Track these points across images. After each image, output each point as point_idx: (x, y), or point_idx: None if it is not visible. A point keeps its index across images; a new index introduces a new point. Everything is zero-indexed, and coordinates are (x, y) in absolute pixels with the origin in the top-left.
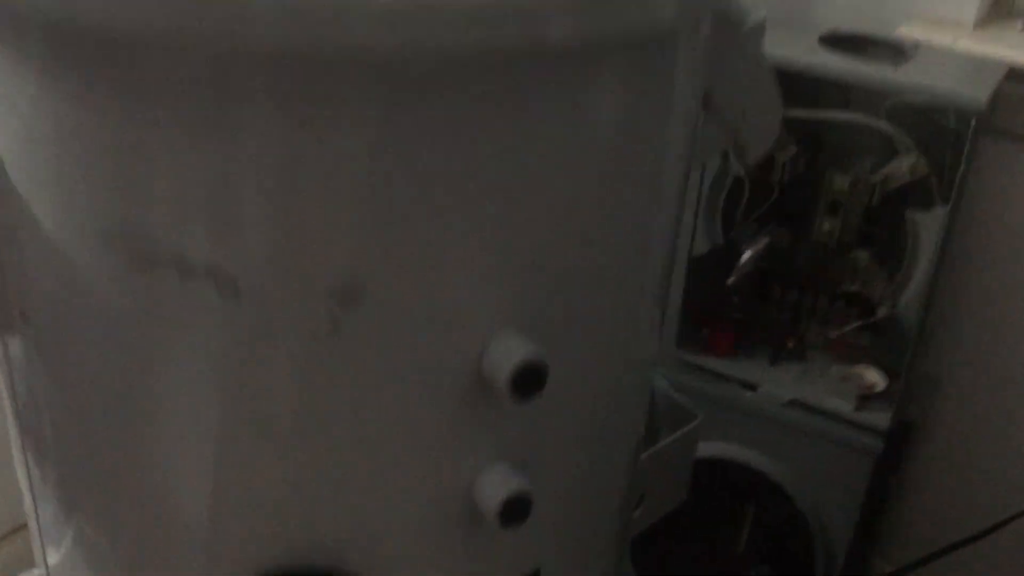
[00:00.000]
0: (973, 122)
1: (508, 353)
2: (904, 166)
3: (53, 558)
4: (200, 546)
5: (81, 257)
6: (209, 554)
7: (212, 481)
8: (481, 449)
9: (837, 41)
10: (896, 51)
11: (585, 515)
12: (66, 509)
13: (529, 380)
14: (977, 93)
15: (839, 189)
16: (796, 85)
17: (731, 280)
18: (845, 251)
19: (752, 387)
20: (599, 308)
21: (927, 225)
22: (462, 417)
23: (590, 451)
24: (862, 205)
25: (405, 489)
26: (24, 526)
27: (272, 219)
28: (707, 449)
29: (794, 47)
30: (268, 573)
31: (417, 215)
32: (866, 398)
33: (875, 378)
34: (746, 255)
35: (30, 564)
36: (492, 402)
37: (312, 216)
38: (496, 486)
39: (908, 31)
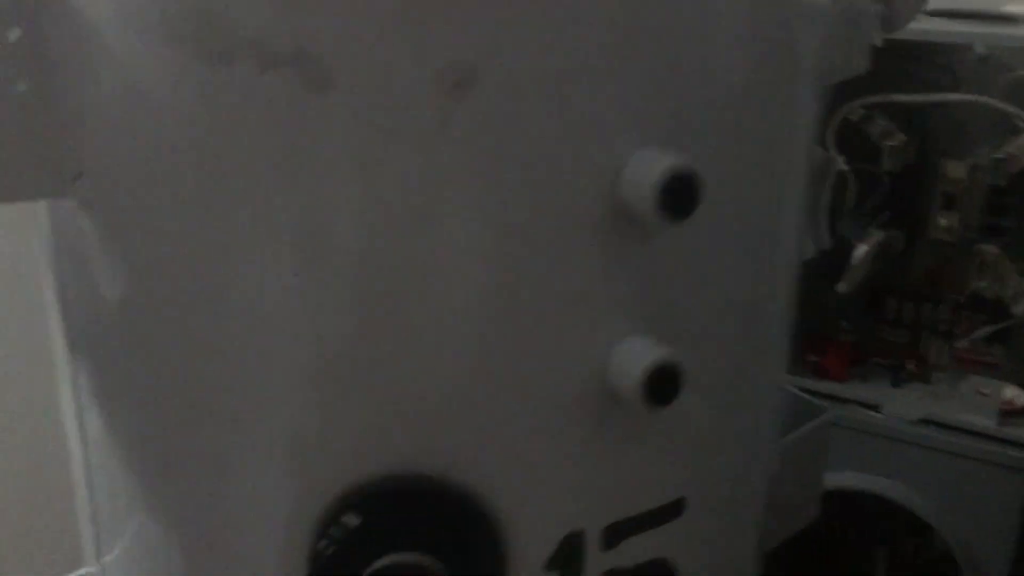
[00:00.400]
0: None
1: (652, 166)
2: None
3: (110, 530)
4: (285, 458)
5: (146, 62)
6: (297, 467)
7: (296, 353)
8: (620, 305)
9: (943, 16)
10: (1008, 23)
11: (731, 447)
12: (127, 452)
13: (679, 196)
14: None
15: (955, 178)
16: (897, 68)
17: (843, 284)
18: (967, 248)
19: (875, 408)
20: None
21: None
22: (597, 256)
23: (737, 340)
24: (983, 194)
25: (527, 358)
26: None
27: None
28: (831, 480)
29: None
30: (363, 487)
31: None
32: (1008, 414)
33: (1013, 392)
34: (859, 251)
35: None
36: (633, 234)
37: None
38: (639, 354)
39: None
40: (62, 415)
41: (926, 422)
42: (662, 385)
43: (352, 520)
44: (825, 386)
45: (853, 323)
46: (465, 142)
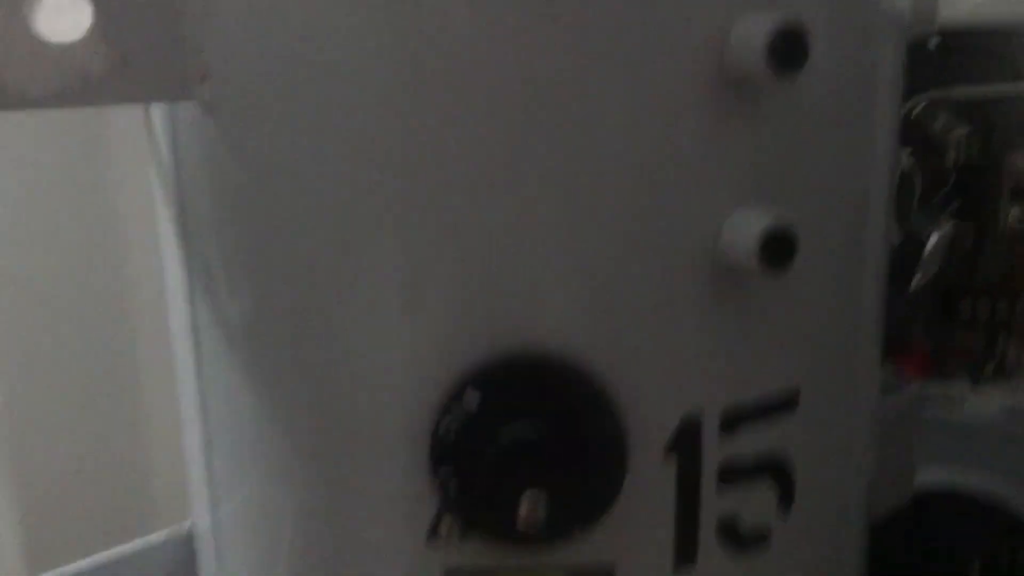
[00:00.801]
0: None
1: (762, 22)
2: None
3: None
4: (404, 342)
5: None
6: (416, 352)
7: (413, 236)
8: (732, 175)
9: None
10: None
11: (841, 342)
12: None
13: (789, 51)
14: None
15: (1022, 169)
16: (957, 61)
17: (918, 279)
18: None
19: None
20: None
21: None
22: (706, 122)
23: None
24: None
25: (640, 231)
26: None
27: None
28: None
29: (954, 9)
30: (483, 367)
31: None
32: None
33: None
34: (933, 239)
35: None
36: (744, 98)
37: None
38: (753, 220)
39: None
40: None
41: (1012, 411)
42: (778, 246)
43: (473, 399)
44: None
45: (927, 328)
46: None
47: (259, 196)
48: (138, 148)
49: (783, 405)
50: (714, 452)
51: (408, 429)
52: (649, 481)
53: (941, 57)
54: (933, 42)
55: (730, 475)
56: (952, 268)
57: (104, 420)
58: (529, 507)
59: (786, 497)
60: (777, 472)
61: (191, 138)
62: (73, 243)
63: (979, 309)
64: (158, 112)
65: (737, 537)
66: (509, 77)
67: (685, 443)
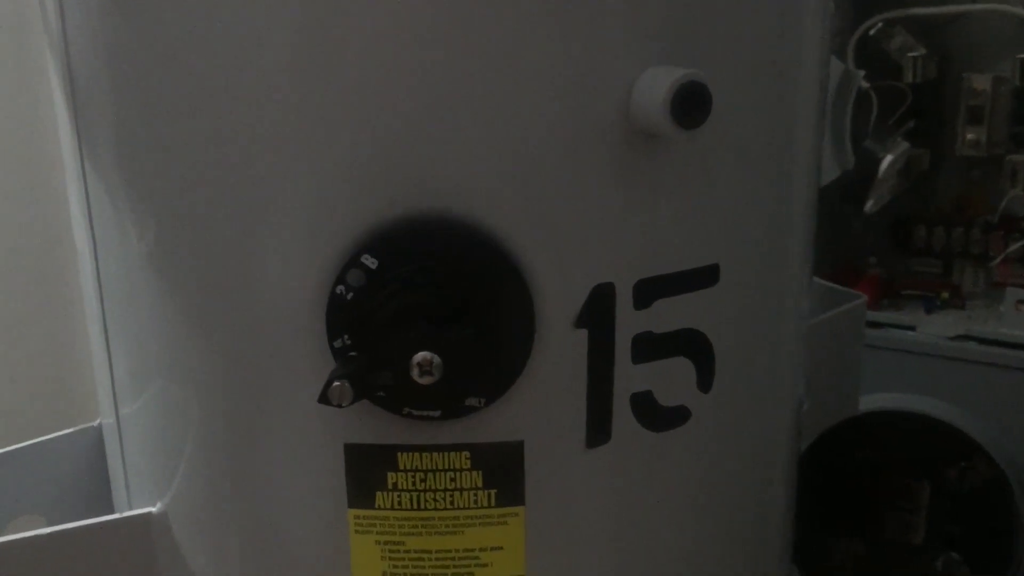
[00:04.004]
0: None
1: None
2: None
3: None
4: (290, 213)
5: None
6: (313, 215)
7: (308, 97)
8: (641, 30)
9: None
10: None
11: (764, 220)
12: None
13: None
14: None
15: (979, 89)
16: None
17: (871, 203)
18: (996, 163)
19: (910, 329)
20: None
21: None
22: None
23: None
24: (1009, 104)
25: (546, 90)
26: None
27: None
28: (864, 403)
29: None
30: (380, 230)
31: None
32: None
33: None
34: (886, 162)
35: None
36: None
37: None
38: (664, 75)
39: None
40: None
41: (964, 338)
42: (689, 101)
43: (370, 263)
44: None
45: (881, 256)
46: None
47: (150, 59)
48: None
49: (701, 281)
50: (627, 326)
51: (306, 295)
52: (558, 354)
53: None
54: None
55: (645, 350)
56: (907, 194)
57: (37, 340)
58: (422, 366)
59: (705, 374)
60: (696, 349)
61: (81, 24)
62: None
63: (934, 237)
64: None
65: (655, 413)
66: None
67: (596, 316)
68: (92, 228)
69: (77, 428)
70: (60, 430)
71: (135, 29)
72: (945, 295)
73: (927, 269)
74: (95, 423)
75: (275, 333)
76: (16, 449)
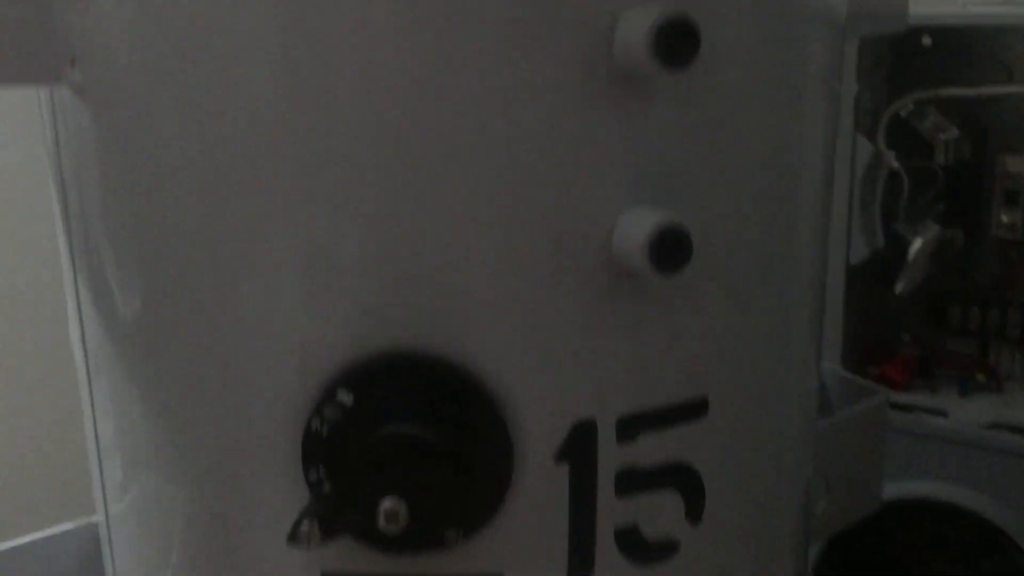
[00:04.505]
0: None
1: (647, 15)
2: None
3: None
4: (279, 341)
5: None
6: (290, 348)
7: (291, 236)
8: (623, 172)
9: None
10: None
11: (758, 350)
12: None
13: (677, 43)
14: None
15: (1015, 173)
16: (949, 62)
17: (900, 284)
18: None
19: (942, 414)
20: None
21: None
22: (597, 116)
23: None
24: None
25: (526, 228)
26: None
27: None
28: (896, 489)
29: (947, 6)
30: (357, 365)
31: None
32: None
33: None
34: (915, 246)
35: None
36: (636, 92)
37: None
38: (644, 219)
39: None
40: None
41: (997, 426)
42: (669, 247)
43: (346, 398)
44: (888, 395)
45: (915, 335)
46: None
47: (131, 183)
48: None
49: (688, 413)
50: (611, 460)
51: (282, 429)
52: (539, 489)
53: (933, 56)
54: (926, 41)
55: (629, 483)
56: (941, 273)
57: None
58: (388, 515)
59: (694, 508)
60: (683, 481)
61: (67, 122)
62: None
63: (970, 317)
64: (43, 95)
65: (640, 546)
66: (393, 68)
67: (577, 450)
68: (78, 299)
69: (76, 524)
70: (64, 518)
71: (127, 168)
72: (981, 376)
73: (963, 349)
74: (94, 518)
75: (255, 455)
76: (10, 548)
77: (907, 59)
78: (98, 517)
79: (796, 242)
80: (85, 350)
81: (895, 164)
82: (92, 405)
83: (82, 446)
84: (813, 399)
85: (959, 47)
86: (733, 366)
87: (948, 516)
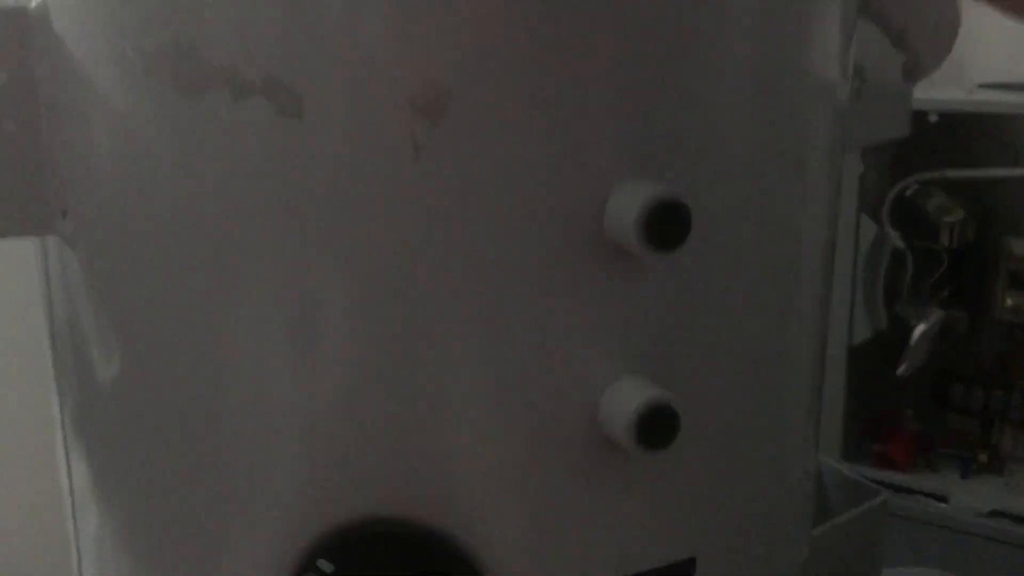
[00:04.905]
0: None
1: (638, 195)
2: None
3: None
4: (262, 505)
5: (128, 98)
6: (272, 514)
7: (286, 411)
8: (610, 344)
9: (1000, 88)
10: None
11: (748, 510)
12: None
13: (665, 226)
14: None
15: (1020, 255)
16: (956, 143)
17: (903, 367)
18: None
19: (942, 499)
20: None
21: None
22: (583, 291)
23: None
24: None
25: (512, 404)
26: None
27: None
28: None
29: (953, 92)
30: (338, 533)
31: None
32: None
33: None
34: (918, 331)
35: None
36: (623, 267)
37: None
38: (630, 394)
39: None
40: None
41: (998, 514)
42: (656, 426)
43: (326, 567)
44: (889, 476)
45: (918, 411)
46: (439, 166)
47: (120, 338)
48: None
49: (677, 574)
50: None
51: None
52: None
53: (938, 137)
54: (932, 118)
55: None
56: (945, 353)
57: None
58: None
59: None
60: None
61: (56, 270)
62: None
63: (973, 396)
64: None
65: None
66: (379, 233)
67: None
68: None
69: None
70: None
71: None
72: (983, 457)
73: (965, 428)
74: None
75: None
76: None
77: (913, 139)
78: None
79: (791, 397)
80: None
81: (900, 244)
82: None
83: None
84: (804, 545)
85: (965, 128)
86: (722, 527)
87: None
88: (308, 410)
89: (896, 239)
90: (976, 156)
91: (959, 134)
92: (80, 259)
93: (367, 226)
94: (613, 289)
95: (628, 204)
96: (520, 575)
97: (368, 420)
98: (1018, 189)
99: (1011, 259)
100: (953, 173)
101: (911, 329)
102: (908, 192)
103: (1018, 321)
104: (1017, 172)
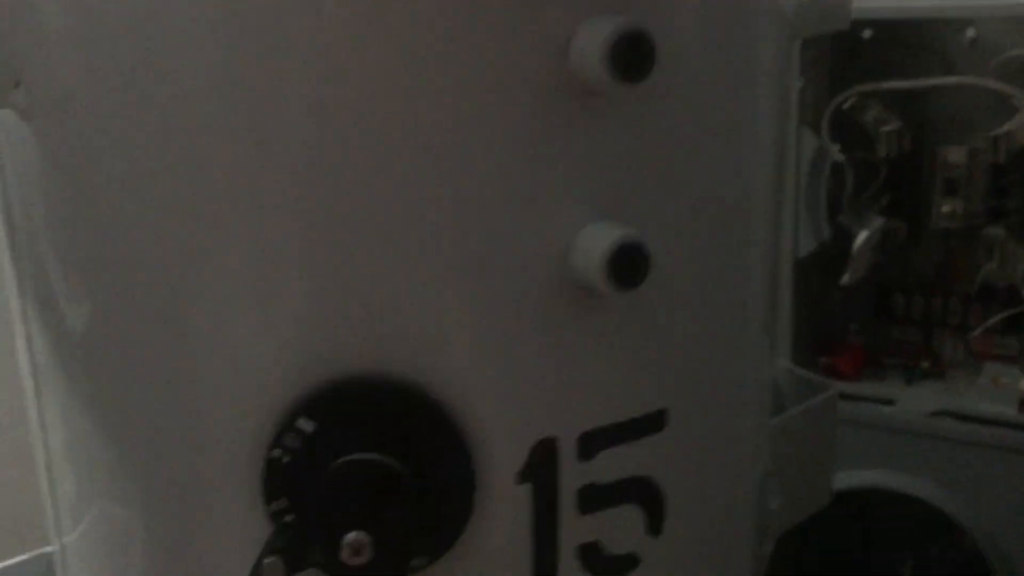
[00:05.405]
0: None
1: (602, 28)
2: None
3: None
4: (235, 369)
5: None
6: (248, 376)
7: (244, 258)
8: (578, 188)
9: None
10: None
11: (716, 360)
12: (87, 434)
13: (633, 57)
14: None
15: (955, 163)
16: (889, 55)
17: (847, 276)
18: (973, 234)
19: (889, 403)
20: None
21: None
22: (551, 132)
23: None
24: (985, 177)
25: (482, 249)
26: None
27: None
28: (846, 479)
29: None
30: (316, 392)
31: None
32: None
33: None
34: (860, 238)
35: None
36: (594, 101)
37: None
38: (601, 235)
39: None
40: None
41: (943, 413)
42: (627, 263)
43: (306, 426)
44: (837, 386)
45: (862, 324)
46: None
47: (78, 207)
48: None
49: (647, 427)
50: (572, 479)
51: (242, 457)
52: (501, 511)
53: (873, 49)
54: (866, 34)
55: (591, 501)
56: (885, 264)
57: None
58: (353, 548)
59: (655, 520)
60: (644, 496)
61: (11, 144)
62: None
63: (914, 306)
64: None
65: (602, 563)
66: (350, 80)
67: (539, 470)
68: (26, 321)
69: (31, 554)
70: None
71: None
72: (926, 364)
73: (908, 338)
74: (47, 549)
75: (214, 482)
76: None
77: (848, 53)
78: (52, 547)
79: (750, 246)
80: (34, 368)
81: (839, 157)
82: (42, 426)
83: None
84: (768, 399)
85: (899, 40)
86: (691, 376)
87: (896, 504)
88: (274, 261)
89: (836, 152)
90: (910, 67)
91: (893, 46)
92: (35, 133)
93: (332, 63)
94: (581, 128)
95: (593, 38)
96: (495, 427)
97: (339, 273)
98: (951, 97)
99: (945, 167)
100: (889, 84)
101: (853, 239)
102: (845, 105)
103: (953, 227)
104: (950, 80)
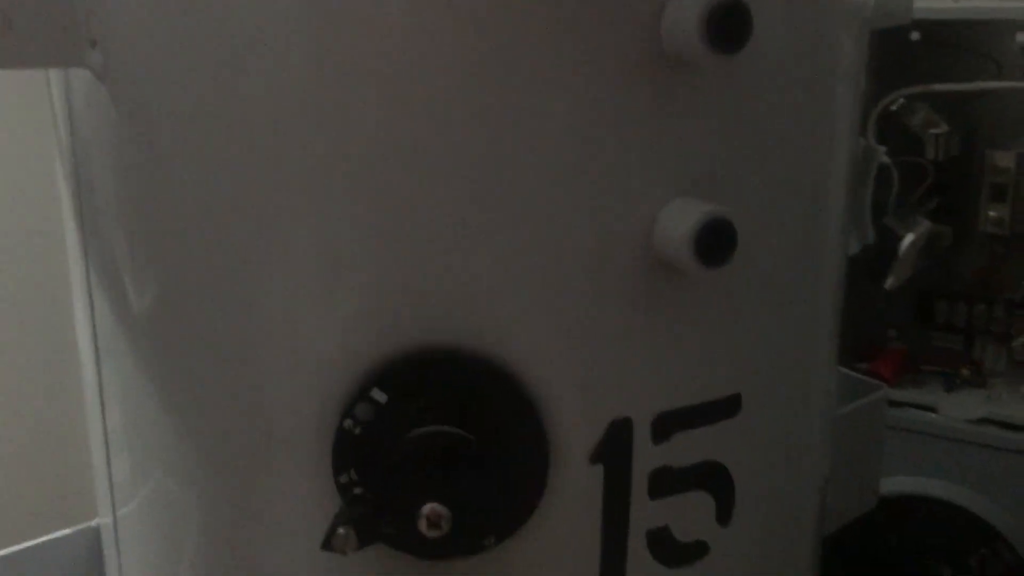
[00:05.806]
0: None
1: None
2: None
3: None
4: (299, 341)
5: None
6: (324, 346)
7: (326, 233)
8: (665, 165)
9: None
10: None
11: (789, 348)
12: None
13: (729, 25)
14: None
15: (1003, 168)
16: (939, 57)
17: (891, 280)
18: (1019, 241)
19: (931, 410)
20: None
21: None
22: (640, 110)
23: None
24: None
25: (566, 226)
26: None
27: None
28: (884, 486)
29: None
30: (391, 363)
31: None
32: None
33: None
34: (907, 240)
35: None
36: (685, 76)
37: None
38: (689, 212)
39: None
40: (80, 366)
41: (986, 421)
42: (713, 239)
43: (380, 397)
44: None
45: (901, 330)
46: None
47: (156, 173)
48: None
49: (722, 412)
50: (645, 460)
51: (310, 429)
52: (573, 491)
53: (922, 52)
54: (914, 36)
55: (662, 485)
56: (928, 269)
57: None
58: (431, 519)
59: (725, 507)
60: (715, 483)
61: (85, 106)
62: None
63: (956, 312)
64: (55, 80)
65: (671, 549)
66: (436, 59)
67: (613, 450)
68: (90, 295)
69: (75, 529)
70: (58, 526)
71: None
72: (966, 372)
73: (948, 345)
74: (93, 523)
75: (278, 456)
76: (7, 554)
77: (896, 54)
78: (99, 521)
79: (826, 236)
80: (96, 343)
81: (885, 159)
82: (100, 399)
83: (79, 449)
84: (833, 395)
85: (948, 42)
86: (767, 363)
87: (937, 511)
88: (349, 232)
89: (882, 154)
90: (959, 70)
91: (941, 48)
92: (110, 95)
93: (413, 38)
94: (669, 103)
95: (688, 7)
96: (571, 404)
97: (416, 245)
98: (1001, 102)
99: (994, 171)
100: (938, 87)
101: (898, 242)
102: (893, 107)
103: (1000, 233)
104: (1000, 84)
